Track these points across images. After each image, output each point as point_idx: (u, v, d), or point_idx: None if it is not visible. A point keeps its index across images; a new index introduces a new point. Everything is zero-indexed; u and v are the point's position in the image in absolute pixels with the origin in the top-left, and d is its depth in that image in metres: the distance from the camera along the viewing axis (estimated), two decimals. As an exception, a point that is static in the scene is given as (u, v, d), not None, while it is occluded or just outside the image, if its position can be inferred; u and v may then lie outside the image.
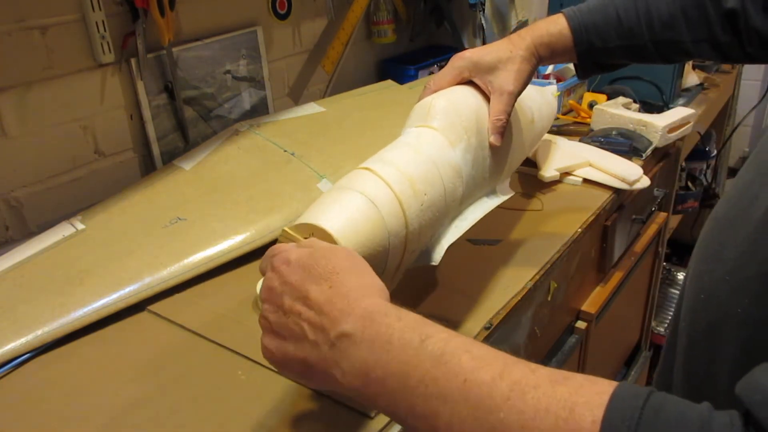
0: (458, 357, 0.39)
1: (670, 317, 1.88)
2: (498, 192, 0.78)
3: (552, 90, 1.09)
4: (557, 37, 0.77)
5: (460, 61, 0.75)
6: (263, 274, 0.51)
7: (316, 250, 0.48)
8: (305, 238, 0.54)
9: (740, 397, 0.35)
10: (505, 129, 0.72)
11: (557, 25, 0.78)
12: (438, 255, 0.65)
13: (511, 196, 0.79)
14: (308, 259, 0.47)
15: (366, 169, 0.60)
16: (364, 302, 0.44)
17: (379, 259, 0.57)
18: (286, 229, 0.54)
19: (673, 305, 1.87)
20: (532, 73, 0.77)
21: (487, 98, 0.74)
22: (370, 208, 0.56)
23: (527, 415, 0.36)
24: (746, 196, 0.49)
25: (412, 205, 0.59)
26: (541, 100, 0.95)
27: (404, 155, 0.63)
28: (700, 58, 0.80)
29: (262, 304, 0.49)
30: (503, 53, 0.74)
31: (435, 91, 0.73)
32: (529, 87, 0.92)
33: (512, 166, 0.81)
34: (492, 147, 0.72)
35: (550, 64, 0.82)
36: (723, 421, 0.34)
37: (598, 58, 0.79)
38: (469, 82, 0.76)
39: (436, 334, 0.41)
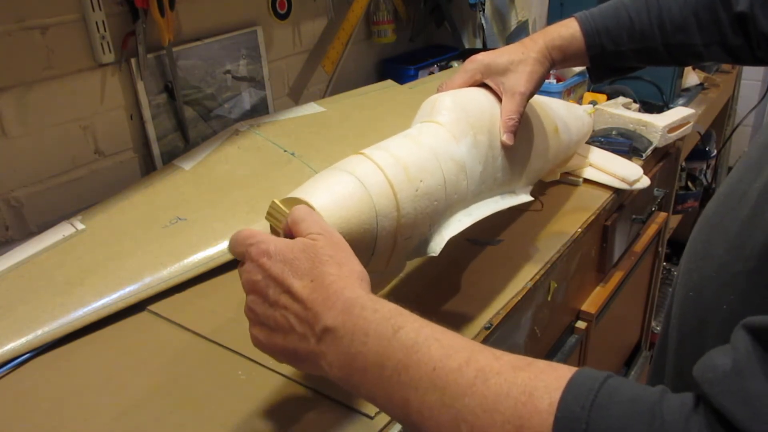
0: (428, 346, 0.41)
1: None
2: (517, 194, 0.78)
3: (585, 108, 1.09)
4: (569, 41, 0.78)
5: (472, 63, 0.76)
6: (234, 254, 0.52)
7: (295, 243, 0.49)
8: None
9: (695, 378, 0.36)
10: (517, 129, 0.73)
11: (569, 29, 0.78)
12: (437, 246, 0.65)
13: (522, 201, 0.78)
14: (288, 252, 0.48)
15: (359, 153, 0.62)
16: (344, 295, 0.45)
17: (367, 239, 0.57)
18: (275, 201, 0.55)
19: (673, 305, 1.86)
20: (544, 76, 0.77)
21: (500, 99, 0.74)
22: (358, 187, 0.57)
23: (489, 400, 0.38)
24: (735, 193, 0.49)
25: (405, 190, 0.60)
26: (567, 113, 0.95)
27: (401, 144, 0.64)
28: (712, 61, 0.81)
29: (247, 296, 0.50)
30: (516, 56, 0.75)
31: None
32: (556, 99, 0.92)
33: (533, 171, 0.81)
34: (505, 147, 0.72)
35: (563, 67, 0.83)
36: (674, 402, 0.35)
37: (611, 61, 0.80)
38: (482, 84, 0.76)
39: (409, 325, 0.43)
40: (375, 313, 0.44)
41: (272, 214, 0.56)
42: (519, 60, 0.75)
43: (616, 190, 1.06)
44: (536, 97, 0.85)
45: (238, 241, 0.51)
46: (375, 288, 0.67)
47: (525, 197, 0.78)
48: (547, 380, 0.38)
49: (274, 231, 0.56)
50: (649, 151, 1.17)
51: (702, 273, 0.50)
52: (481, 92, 0.75)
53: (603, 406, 0.35)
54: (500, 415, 0.37)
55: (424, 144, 0.65)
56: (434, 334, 0.43)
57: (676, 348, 0.54)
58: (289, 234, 0.52)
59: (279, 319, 0.47)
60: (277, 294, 0.47)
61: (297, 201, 0.56)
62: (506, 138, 0.72)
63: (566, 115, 0.95)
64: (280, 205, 0.56)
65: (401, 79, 1.47)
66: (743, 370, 0.34)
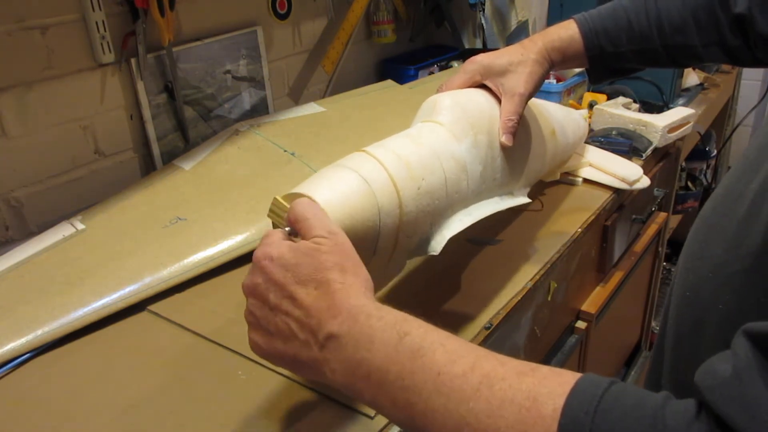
0: (433, 351, 0.42)
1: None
2: (516, 195, 0.78)
3: (581, 112, 1.11)
4: (568, 42, 0.78)
5: (471, 65, 0.76)
6: None
7: (299, 247, 0.48)
8: None
9: (696, 384, 0.36)
10: (516, 130, 0.73)
11: (568, 30, 0.78)
12: (438, 245, 0.65)
13: (521, 203, 0.78)
14: (292, 258, 0.47)
15: (362, 151, 0.62)
16: (349, 302, 0.45)
17: (370, 237, 0.57)
18: (276, 197, 0.55)
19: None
20: (543, 77, 0.77)
21: (500, 100, 0.74)
22: (361, 183, 0.57)
23: (494, 405, 0.38)
24: (732, 194, 0.49)
25: (407, 188, 0.60)
26: (564, 116, 0.95)
27: (403, 142, 0.64)
28: (711, 62, 0.81)
29: (247, 299, 0.49)
30: (515, 57, 0.75)
31: None
32: (552, 103, 0.92)
33: (531, 173, 0.82)
34: (504, 147, 0.72)
35: (562, 68, 0.83)
36: (677, 408, 0.35)
37: (610, 63, 0.80)
38: (482, 86, 0.76)
39: (414, 331, 0.43)
40: (380, 320, 0.44)
41: (274, 211, 0.56)
42: (518, 61, 0.75)
43: (616, 190, 1.06)
44: (534, 100, 0.85)
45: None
46: (375, 287, 0.68)
47: (523, 199, 0.79)
48: (551, 386, 0.38)
49: (276, 228, 0.56)
50: (649, 151, 1.17)
51: (699, 273, 0.50)
52: (481, 93, 0.75)
53: (606, 411, 0.35)
54: (504, 420, 0.37)
55: (425, 143, 0.65)
56: (439, 339, 0.43)
57: (673, 347, 0.54)
58: (292, 230, 0.51)
59: (280, 325, 0.46)
60: (278, 299, 0.46)
61: (298, 196, 0.55)
62: (505, 139, 0.72)
63: (563, 118, 0.95)
64: (282, 202, 0.55)
65: (401, 79, 1.47)
66: (743, 376, 0.34)
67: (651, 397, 0.36)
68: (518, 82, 0.74)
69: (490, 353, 0.42)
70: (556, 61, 0.78)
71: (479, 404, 0.38)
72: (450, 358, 0.41)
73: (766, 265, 0.42)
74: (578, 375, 0.38)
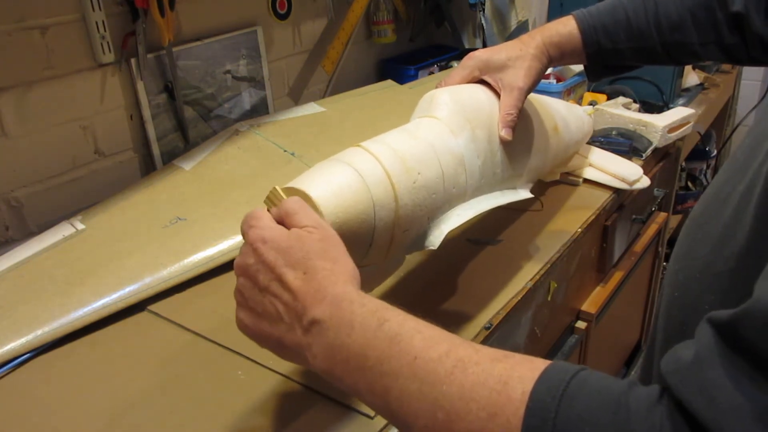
0: (410, 337, 0.43)
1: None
2: (517, 191, 0.78)
3: (586, 109, 1.11)
4: (567, 38, 0.78)
5: (470, 60, 0.77)
6: (241, 233, 0.52)
7: (291, 233, 0.49)
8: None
9: (661, 370, 0.37)
10: (516, 124, 0.73)
11: (567, 26, 0.79)
12: (436, 239, 0.65)
13: (522, 198, 0.78)
14: (284, 242, 0.48)
15: (357, 145, 0.62)
16: (334, 289, 0.46)
17: (365, 230, 0.58)
18: (276, 187, 0.56)
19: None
20: (542, 72, 0.77)
21: (499, 95, 0.74)
22: (355, 178, 0.57)
23: (466, 388, 0.39)
24: (720, 195, 0.49)
25: (403, 181, 0.60)
26: (567, 112, 0.95)
27: (398, 137, 0.65)
28: (709, 60, 0.81)
29: (237, 278, 0.50)
30: (513, 52, 0.76)
31: None
32: (557, 99, 0.92)
33: (533, 169, 0.81)
34: (504, 142, 0.72)
35: (560, 64, 0.83)
36: (640, 393, 0.36)
37: (608, 59, 0.80)
38: (481, 81, 0.76)
39: (393, 318, 0.44)
40: (362, 307, 0.45)
41: (271, 200, 0.56)
42: (517, 56, 0.75)
43: (616, 190, 1.06)
44: (536, 96, 0.85)
45: (245, 219, 0.52)
46: (374, 282, 0.68)
47: (525, 193, 0.78)
48: (521, 371, 0.39)
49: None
50: (649, 151, 1.17)
51: (687, 273, 0.50)
52: (479, 88, 0.75)
53: (572, 396, 0.36)
54: (475, 403, 0.38)
55: (421, 137, 0.65)
56: (417, 326, 0.44)
57: (662, 348, 0.54)
58: (281, 224, 0.52)
59: (267, 306, 0.48)
60: (267, 280, 0.48)
61: (294, 191, 0.56)
62: (504, 133, 0.72)
63: (567, 114, 0.95)
64: (281, 192, 0.56)
65: (401, 79, 1.47)
66: (703, 362, 0.34)
67: (616, 383, 0.37)
68: (517, 76, 0.74)
69: (466, 341, 0.43)
70: (554, 57, 0.78)
71: (452, 388, 0.39)
72: (426, 344, 0.42)
73: (749, 266, 0.42)
74: (548, 362, 0.39)
